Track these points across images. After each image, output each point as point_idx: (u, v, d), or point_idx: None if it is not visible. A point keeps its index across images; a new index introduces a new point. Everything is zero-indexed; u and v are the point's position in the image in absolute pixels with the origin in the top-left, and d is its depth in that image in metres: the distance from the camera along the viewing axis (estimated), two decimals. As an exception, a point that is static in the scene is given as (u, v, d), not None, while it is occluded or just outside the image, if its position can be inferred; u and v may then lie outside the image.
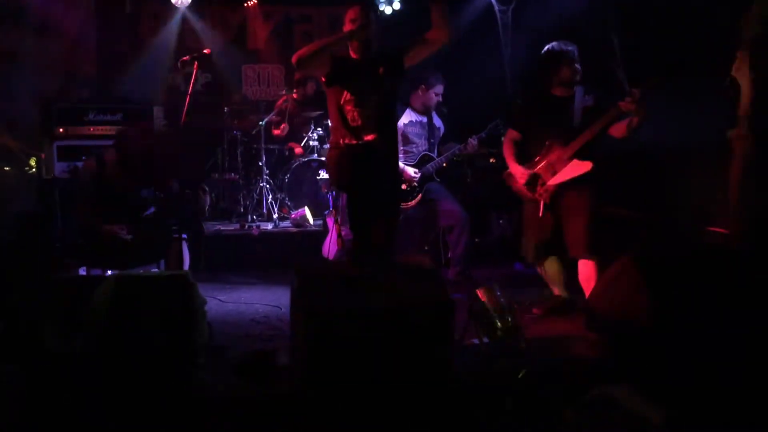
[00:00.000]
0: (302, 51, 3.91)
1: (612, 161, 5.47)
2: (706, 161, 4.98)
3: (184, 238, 4.59)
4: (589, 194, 4.37)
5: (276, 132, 7.53)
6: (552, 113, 4.49)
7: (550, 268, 4.64)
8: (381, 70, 4.03)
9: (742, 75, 4.29)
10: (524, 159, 4.60)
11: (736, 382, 3.06)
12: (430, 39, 4.05)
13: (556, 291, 4.68)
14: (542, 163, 4.46)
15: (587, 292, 4.30)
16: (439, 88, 5.50)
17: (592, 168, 4.32)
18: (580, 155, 4.35)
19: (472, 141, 5.43)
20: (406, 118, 5.54)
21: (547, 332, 4.26)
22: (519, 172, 4.55)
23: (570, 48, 4.45)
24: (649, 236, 5.54)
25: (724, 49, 4.43)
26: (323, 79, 4.07)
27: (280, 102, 7.67)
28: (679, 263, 3.74)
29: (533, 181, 4.48)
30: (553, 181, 4.41)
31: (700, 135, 4.96)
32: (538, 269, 4.69)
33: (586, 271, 4.36)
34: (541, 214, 4.47)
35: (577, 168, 4.36)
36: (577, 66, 4.44)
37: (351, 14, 4.01)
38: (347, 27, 3.99)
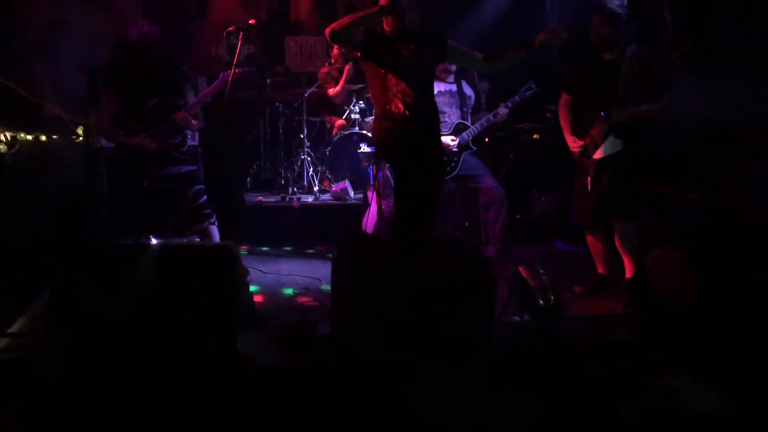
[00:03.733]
0: (335, 24, 3.90)
1: (662, 138, 5.36)
2: (759, 142, 4.83)
3: (212, 222, 4.57)
4: (613, 174, 4.28)
5: (333, 91, 7.41)
6: (599, 78, 4.34)
7: (597, 243, 4.58)
8: (418, 46, 4.00)
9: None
10: (578, 125, 4.50)
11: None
12: (480, 59, 4.18)
13: (600, 268, 4.61)
14: (591, 134, 4.35)
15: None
16: None
17: (627, 147, 4.24)
18: (618, 131, 4.24)
19: (503, 109, 5.36)
20: (435, 88, 5.47)
21: (588, 311, 4.21)
22: (570, 142, 4.49)
23: (609, 2, 4.24)
24: (697, 216, 5.42)
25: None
26: (358, 54, 4.06)
27: (322, 72, 7.64)
28: (725, 244, 3.67)
29: (584, 152, 4.40)
30: (596, 156, 4.33)
31: (753, 115, 4.81)
32: (588, 239, 4.63)
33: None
34: (589, 188, 4.40)
35: (612, 146, 4.27)
36: (614, 24, 4.23)
37: None
38: (382, 2, 3.96)
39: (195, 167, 4.64)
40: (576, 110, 4.53)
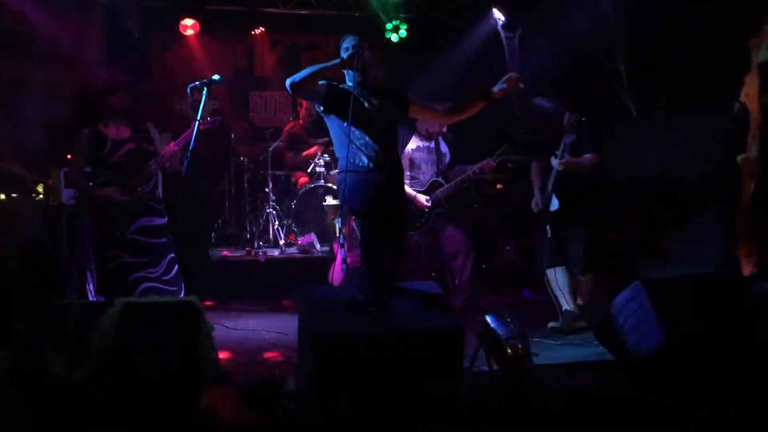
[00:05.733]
0: (295, 75, 3.89)
1: (616, 186, 5.50)
2: (714, 185, 4.97)
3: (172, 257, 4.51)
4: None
5: (290, 156, 7.49)
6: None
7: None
8: (380, 100, 4.04)
9: (751, 99, 4.29)
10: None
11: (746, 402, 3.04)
12: (441, 112, 4.27)
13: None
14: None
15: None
16: None
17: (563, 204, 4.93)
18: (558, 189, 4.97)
19: (491, 162, 5.40)
20: (413, 143, 5.54)
21: (557, 359, 4.22)
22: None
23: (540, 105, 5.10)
24: (656, 262, 5.53)
25: (732, 72, 4.43)
26: (321, 107, 4.08)
27: (287, 128, 7.69)
28: (686, 288, 3.74)
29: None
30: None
31: (708, 159, 4.95)
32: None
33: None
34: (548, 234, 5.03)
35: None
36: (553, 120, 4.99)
37: (345, 43, 4.04)
38: (342, 56, 4.00)
39: (166, 220, 4.57)
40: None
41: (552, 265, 5.00)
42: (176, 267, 4.54)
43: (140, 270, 4.37)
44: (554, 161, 4.84)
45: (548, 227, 4.94)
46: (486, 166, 5.39)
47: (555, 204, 4.96)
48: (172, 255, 4.54)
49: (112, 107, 4.37)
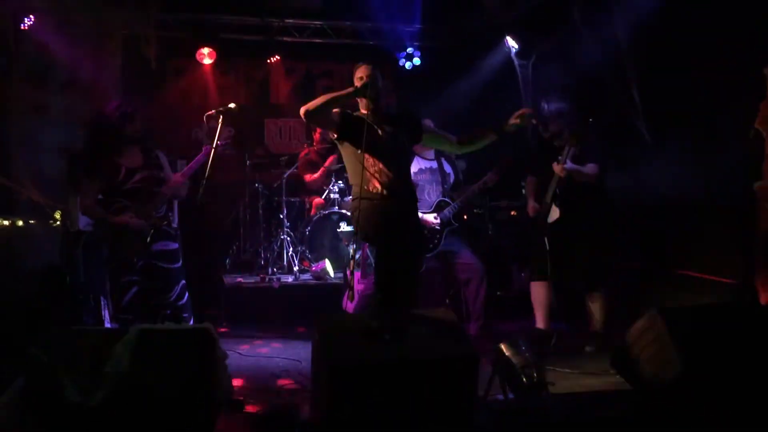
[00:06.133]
0: (309, 104, 3.93)
1: (636, 214, 5.47)
2: (730, 214, 4.93)
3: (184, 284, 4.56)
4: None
5: (310, 177, 7.53)
6: (552, 161, 4.99)
7: (541, 292, 5.08)
8: (394, 127, 4.08)
9: (766, 126, 4.27)
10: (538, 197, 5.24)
11: None
12: (453, 142, 4.33)
13: (539, 323, 5.05)
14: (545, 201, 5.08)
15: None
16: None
17: (565, 216, 4.91)
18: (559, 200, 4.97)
19: (492, 176, 5.43)
20: (415, 166, 5.54)
21: (574, 388, 4.17)
22: (530, 207, 5.25)
23: (549, 105, 5.03)
24: (671, 290, 5.48)
25: (748, 98, 4.42)
26: (335, 135, 4.11)
27: (302, 155, 7.73)
28: (704, 317, 3.70)
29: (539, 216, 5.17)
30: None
31: (724, 187, 4.92)
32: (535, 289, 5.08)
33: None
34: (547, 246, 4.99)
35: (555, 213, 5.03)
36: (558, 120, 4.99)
37: (359, 72, 4.09)
38: (357, 84, 4.05)
39: (178, 245, 4.63)
40: (538, 186, 5.19)
41: (537, 279, 5.01)
42: (187, 294, 4.58)
43: (155, 295, 4.43)
44: (556, 167, 4.83)
45: (546, 239, 4.90)
46: (489, 179, 5.42)
47: (554, 214, 4.94)
48: (184, 281, 4.58)
49: (127, 135, 4.43)
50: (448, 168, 5.72)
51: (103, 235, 4.54)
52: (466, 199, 5.54)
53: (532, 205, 5.15)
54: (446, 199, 5.57)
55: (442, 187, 5.61)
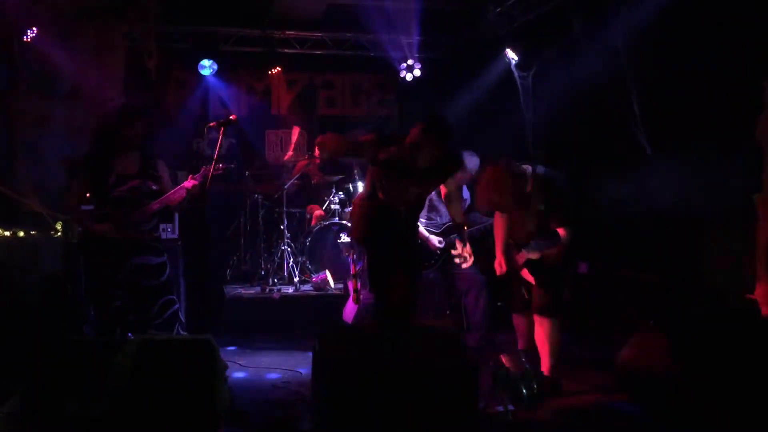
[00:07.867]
0: (329, 145, 4.09)
1: (635, 225, 5.46)
2: (729, 225, 4.94)
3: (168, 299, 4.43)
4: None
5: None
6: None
7: (524, 322, 4.69)
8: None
9: (765, 138, 4.29)
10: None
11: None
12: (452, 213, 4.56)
13: (521, 344, 4.65)
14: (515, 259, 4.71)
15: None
16: (474, 166, 5.51)
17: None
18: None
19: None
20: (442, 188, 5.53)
21: (574, 402, 4.16)
22: (498, 257, 4.83)
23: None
24: (672, 301, 5.48)
25: (747, 111, 4.44)
26: (369, 160, 4.18)
27: (301, 165, 7.75)
28: (705, 328, 3.71)
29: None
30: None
31: (723, 198, 4.93)
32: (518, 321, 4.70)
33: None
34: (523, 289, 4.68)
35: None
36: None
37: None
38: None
39: (165, 258, 4.48)
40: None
41: (516, 312, 4.72)
42: (172, 309, 4.44)
43: (133, 311, 4.29)
44: (518, 258, 4.47)
45: (520, 274, 4.55)
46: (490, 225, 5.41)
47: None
48: (169, 297, 4.44)
49: (128, 138, 4.33)
50: (466, 194, 5.70)
51: (79, 241, 4.43)
52: (472, 233, 5.52)
53: (499, 260, 4.67)
54: None
55: None
